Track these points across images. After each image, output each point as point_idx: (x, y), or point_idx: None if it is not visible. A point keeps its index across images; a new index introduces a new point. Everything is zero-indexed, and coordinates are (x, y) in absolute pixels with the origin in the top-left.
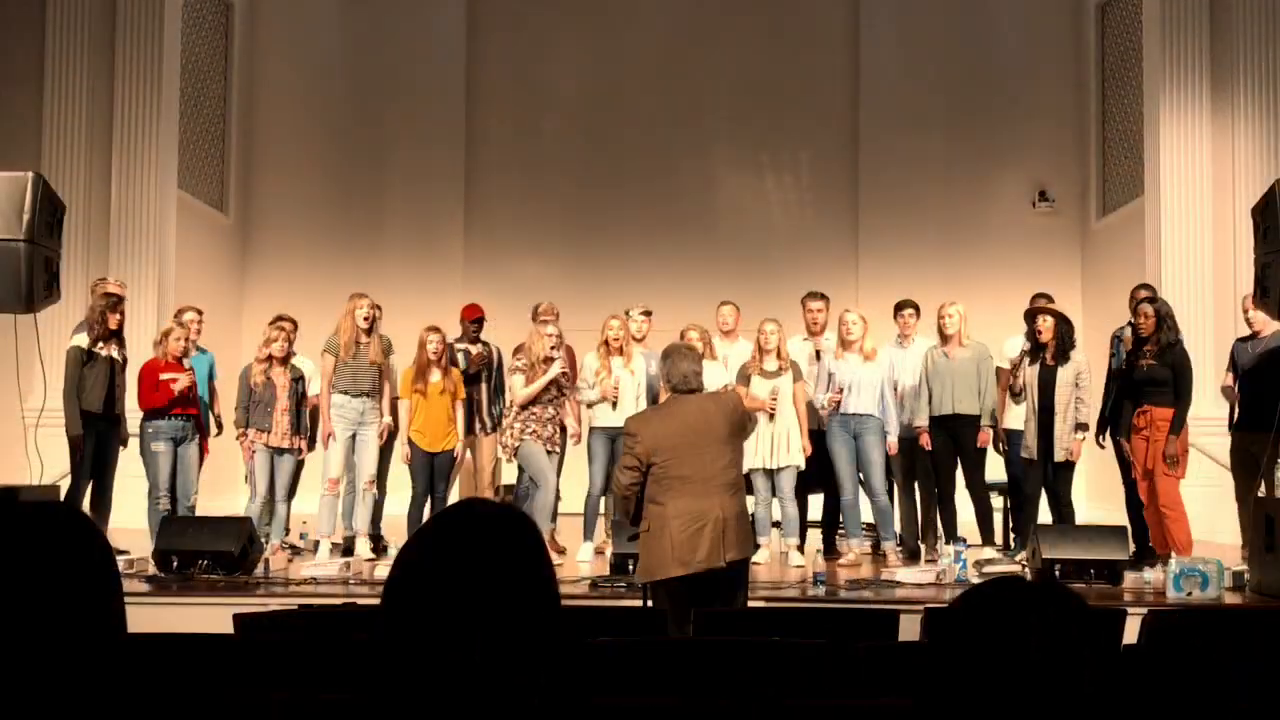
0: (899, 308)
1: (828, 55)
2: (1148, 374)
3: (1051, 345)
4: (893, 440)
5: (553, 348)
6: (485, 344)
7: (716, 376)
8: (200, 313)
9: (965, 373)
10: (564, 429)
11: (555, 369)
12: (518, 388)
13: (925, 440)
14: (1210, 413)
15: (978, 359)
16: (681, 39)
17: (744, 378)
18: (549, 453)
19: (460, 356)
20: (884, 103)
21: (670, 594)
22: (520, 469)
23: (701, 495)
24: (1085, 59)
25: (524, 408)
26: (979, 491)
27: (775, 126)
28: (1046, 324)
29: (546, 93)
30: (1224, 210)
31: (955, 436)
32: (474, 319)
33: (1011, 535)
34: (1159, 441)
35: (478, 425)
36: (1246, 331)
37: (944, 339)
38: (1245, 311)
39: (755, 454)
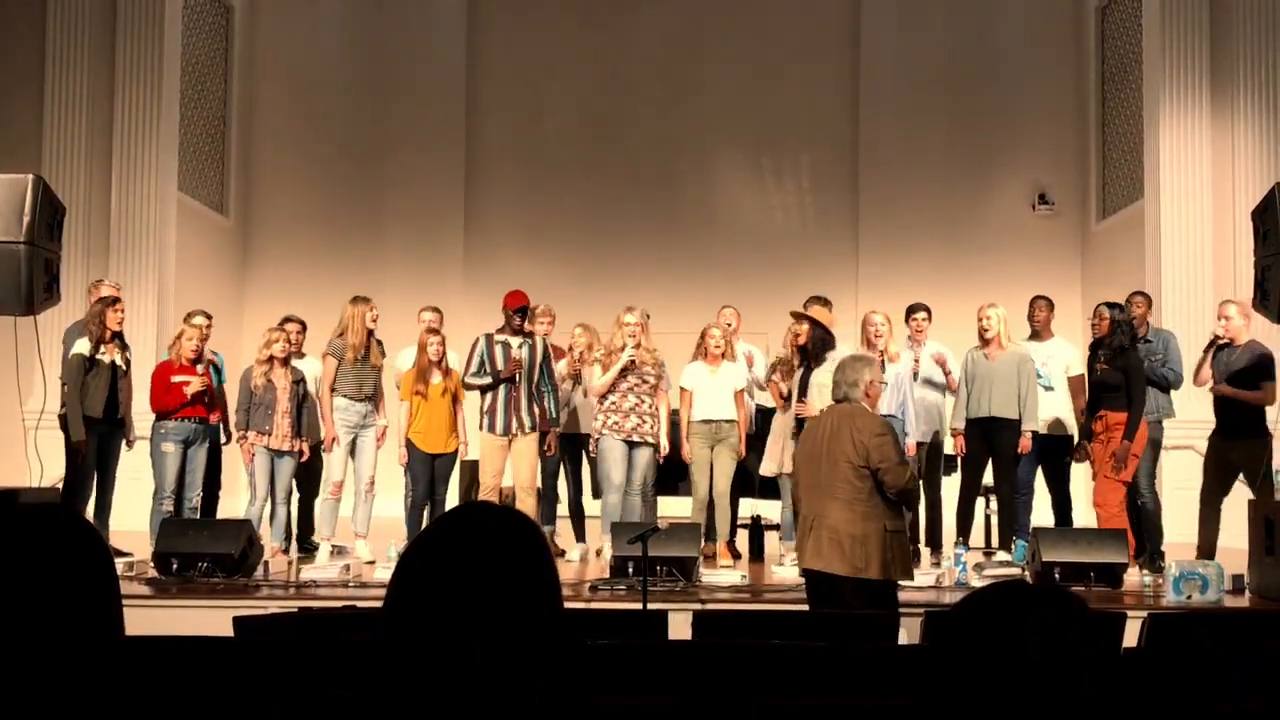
0: (911, 311)
1: (828, 57)
2: (1101, 379)
3: (809, 350)
4: (911, 443)
5: (630, 335)
6: (530, 335)
7: (724, 378)
8: (209, 317)
9: (1005, 376)
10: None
11: (625, 356)
12: (595, 379)
13: (960, 443)
14: (1206, 415)
15: (1018, 362)
16: (682, 40)
17: (770, 377)
18: (636, 444)
19: (499, 350)
20: (884, 105)
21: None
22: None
23: (811, 501)
24: (1085, 61)
25: (602, 399)
26: (1004, 495)
27: (776, 129)
28: (802, 329)
29: (547, 94)
30: (1224, 213)
31: (990, 439)
32: (516, 308)
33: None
34: (1114, 444)
35: (514, 424)
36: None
37: (984, 341)
38: (1221, 319)
39: (776, 460)
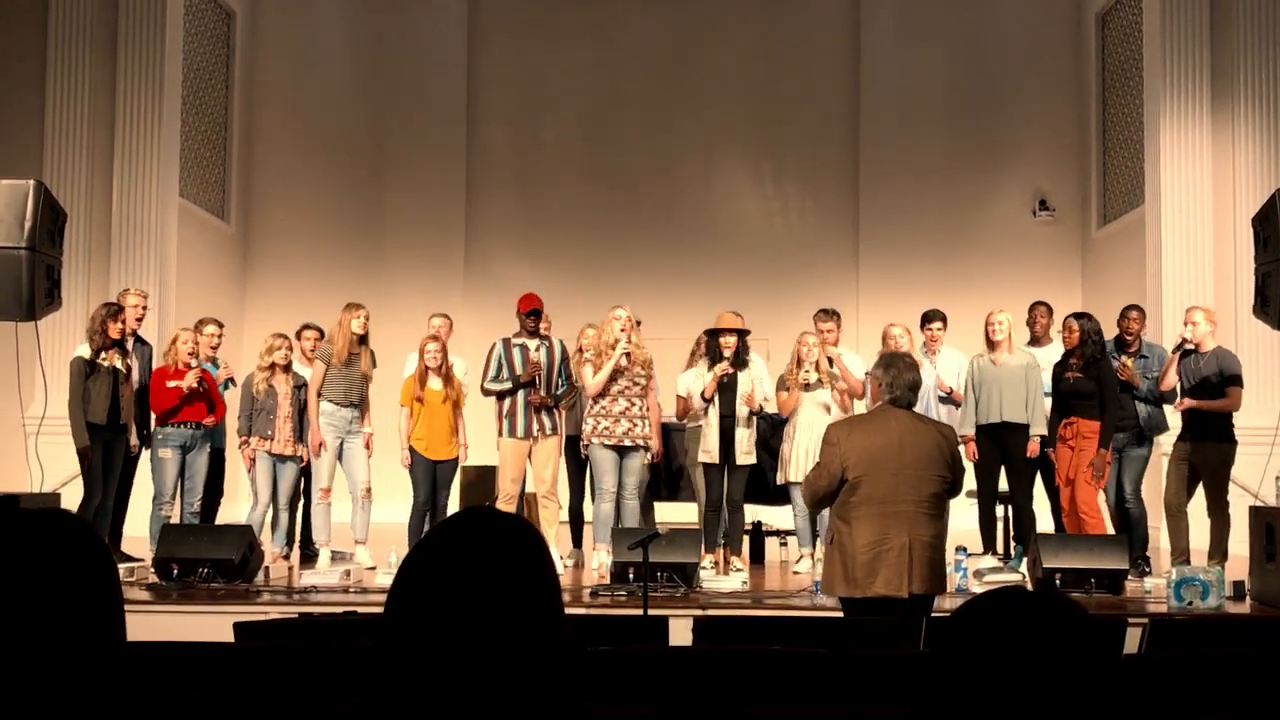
0: (927, 318)
1: (829, 64)
2: (1073, 386)
3: (736, 357)
4: None
5: (622, 330)
6: (546, 339)
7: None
8: (220, 325)
9: (1013, 381)
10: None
11: (619, 352)
12: (588, 380)
13: (971, 449)
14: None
15: (1025, 367)
16: (682, 47)
17: (783, 387)
18: (627, 449)
19: (516, 352)
20: (884, 111)
21: (849, 611)
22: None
23: (890, 519)
24: (1086, 68)
25: (596, 400)
26: (1021, 501)
27: (776, 135)
28: (729, 340)
29: (547, 101)
30: (1224, 219)
31: (1003, 445)
32: (529, 311)
33: (1012, 545)
34: (1084, 451)
35: (535, 427)
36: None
37: (991, 346)
38: (1188, 325)
39: (793, 467)
